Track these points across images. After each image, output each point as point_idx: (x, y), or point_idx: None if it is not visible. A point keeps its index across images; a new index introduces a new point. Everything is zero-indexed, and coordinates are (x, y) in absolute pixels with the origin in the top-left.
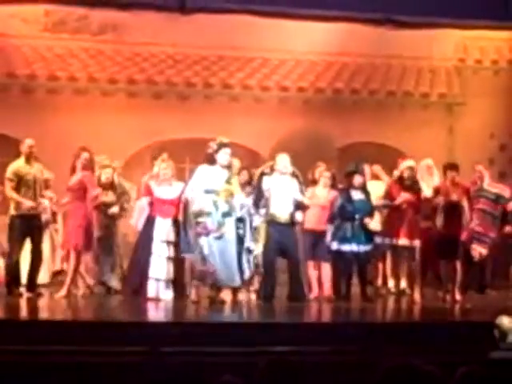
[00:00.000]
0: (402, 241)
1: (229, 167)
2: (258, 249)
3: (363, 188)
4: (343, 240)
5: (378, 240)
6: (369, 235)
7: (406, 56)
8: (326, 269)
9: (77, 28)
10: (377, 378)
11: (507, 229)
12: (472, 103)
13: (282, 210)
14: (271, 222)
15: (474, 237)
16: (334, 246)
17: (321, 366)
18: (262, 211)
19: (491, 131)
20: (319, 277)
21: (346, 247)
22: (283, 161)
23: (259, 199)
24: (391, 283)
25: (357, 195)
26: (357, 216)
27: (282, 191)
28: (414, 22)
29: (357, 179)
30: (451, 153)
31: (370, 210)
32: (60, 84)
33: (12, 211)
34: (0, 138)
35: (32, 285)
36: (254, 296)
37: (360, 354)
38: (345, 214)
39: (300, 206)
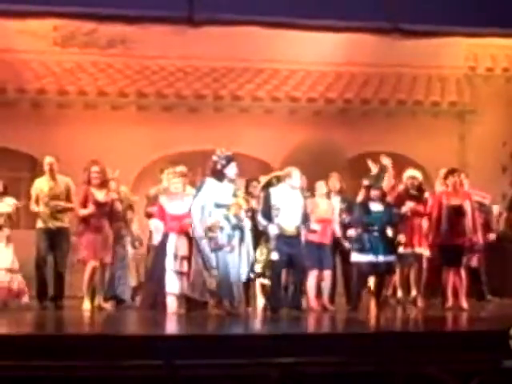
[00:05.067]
0: (408, 249)
1: (234, 180)
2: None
3: (382, 199)
4: (360, 251)
5: None
6: (389, 246)
7: (415, 65)
8: (328, 279)
9: (86, 42)
10: None
11: (491, 236)
12: (483, 111)
13: (289, 223)
14: (279, 235)
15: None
16: (353, 257)
17: (334, 377)
18: (275, 221)
19: (503, 139)
20: (318, 286)
21: (363, 258)
22: (297, 176)
23: (268, 211)
24: (400, 293)
25: (375, 207)
26: (376, 227)
27: (290, 204)
28: (422, 31)
29: (373, 192)
30: (463, 161)
31: (389, 220)
32: (70, 98)
33: (38, 225)
34: (10, 152)
35: (58, 297)
36: (261, 308)
37: (374, 364)
38: (363, 226)
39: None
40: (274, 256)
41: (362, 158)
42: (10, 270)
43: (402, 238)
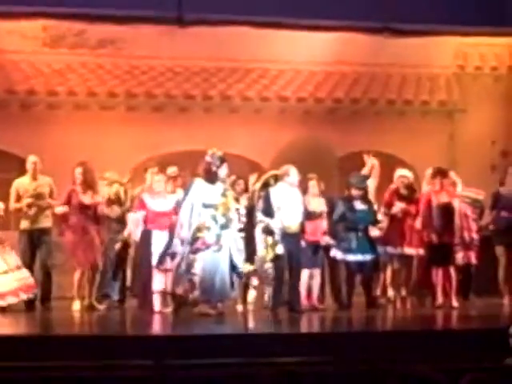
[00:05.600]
0: (398, 250)
1: (224, 180)
2: (269, 257)
3: (365, 198)
4: (348, 251)
5: (378, 249)
6: (373, 244)
7: (405, 64)
8: (317, 278)
9: (75, 43)
10: None
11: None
12: (472, 110)
13: (291, 221)
14: (281, 233)
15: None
16: (339, 256)
17: (327, 376)
18: (277, 219)
19: (492, 138)
20: (309, 286)
21: (352, 257)
22: (294, 174)
23: (269, 210)
24: (391, 292)
25: (359, 205)
26: (360, 226)
27: (291, 202)
28: (412, 30)
29: (354, 192)
30: (452, 160)
31: (372, 220)
32: (59, 99)
33: (21, 226)
34: (0, 153)
35: (46, 298)
36: (252, 307)
37: (367, 363)
38: (346, 224)
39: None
40: (280, 249)
41: (352, 157)
42: (18, 267)
43: (375, 232)
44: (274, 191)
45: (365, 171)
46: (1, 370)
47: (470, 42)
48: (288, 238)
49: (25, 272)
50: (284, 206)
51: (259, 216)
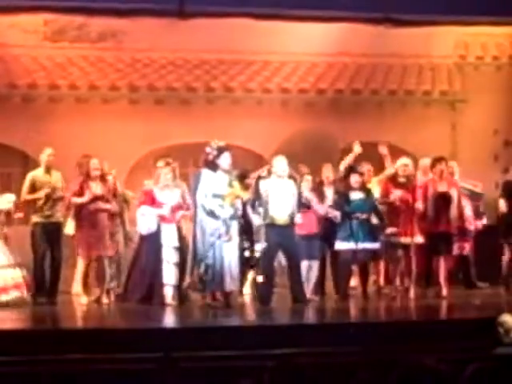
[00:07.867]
0: (396, 238)
1: (229, 171)
2: (258, 249)
3: (362, 187)
4: (345, 239)
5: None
6: (372, 233)
7: (406, 54)
8: (315, 270)
9: (76, 36)
10: (388, 378)
11: (482, 222)
12: (474, 100)
13: (281, 212)
14: (270, 225)
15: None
16: (337, 245)
17: (330, 367)
18: (260, 212)
19: (494, 127)
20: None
21: (345, 246)
22: (280, 164)
23: (256, 201)
24: (398, 282)
25: (355, 195)
26: (358, 215)
27: (281, 193)
28: (413, 20)
29: (353, 179)
30: (455, 150)
31: (372, 208)
32: (61, 92)
33: (33, 219)
34: (1, 147)
35: (53, 292)
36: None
37: (369, 354)
38: (343, 215)
39: (307, 206)
40: (258, 247)
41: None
42: (19, 265)
43: (392, 230)
44: (263, 183)
45: (350, 159)
46: (7, 365)
47: (471, 32)
48: (278, 229)
49: (19, 272)
50: (272, 198)
51: (247, 209)
